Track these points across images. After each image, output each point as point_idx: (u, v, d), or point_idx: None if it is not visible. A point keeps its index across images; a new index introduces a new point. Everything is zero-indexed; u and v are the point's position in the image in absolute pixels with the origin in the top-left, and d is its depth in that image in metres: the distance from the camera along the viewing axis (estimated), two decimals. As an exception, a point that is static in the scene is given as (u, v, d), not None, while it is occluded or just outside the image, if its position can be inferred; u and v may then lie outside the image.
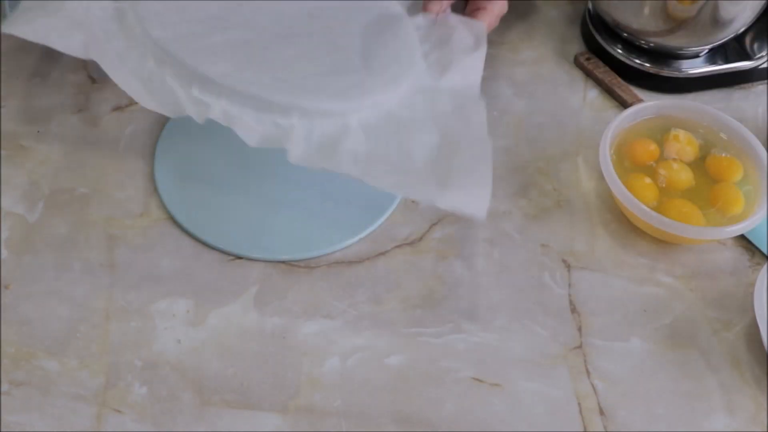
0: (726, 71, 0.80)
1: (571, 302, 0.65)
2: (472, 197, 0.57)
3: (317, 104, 0.59)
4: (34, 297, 0.64)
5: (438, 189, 0.57)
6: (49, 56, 0.82)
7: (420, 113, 0.62)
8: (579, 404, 0.59)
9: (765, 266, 0.63)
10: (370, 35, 0.65)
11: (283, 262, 0.66)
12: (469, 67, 0.66)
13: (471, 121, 0.61)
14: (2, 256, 0.66)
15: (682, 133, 0.72)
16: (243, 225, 0.68)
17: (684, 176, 0.69)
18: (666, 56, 0.80)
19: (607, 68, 0.81)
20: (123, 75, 0.58)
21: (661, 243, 0.68)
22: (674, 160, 0.70)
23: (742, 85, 0.81)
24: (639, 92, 0.79)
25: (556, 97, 0.79)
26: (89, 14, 0.59)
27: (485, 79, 0.80)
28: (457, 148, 0.59)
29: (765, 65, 0.80)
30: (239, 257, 0.66)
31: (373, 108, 0.61)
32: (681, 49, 0.79)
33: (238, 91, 0.57)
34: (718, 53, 0.80)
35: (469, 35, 0.68)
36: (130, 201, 0.70)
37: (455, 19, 0.70)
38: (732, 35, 0.77)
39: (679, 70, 0.80)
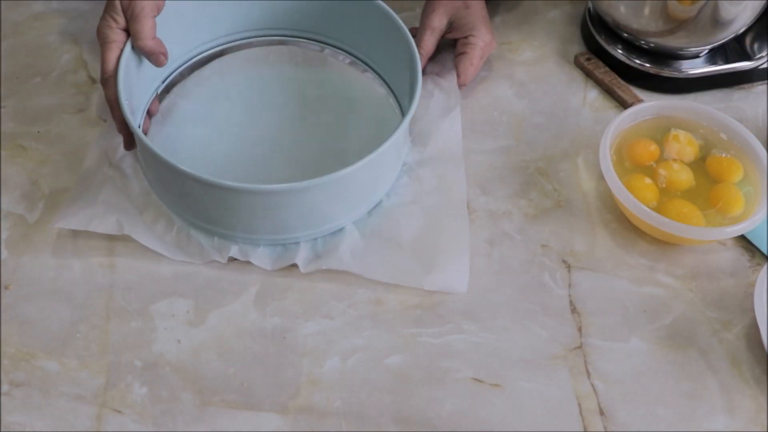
0: (726, 71, 0.80)
1: (571, 302, 0.65)
2: (453, 277, 0.65)
3: (318, 229, 0.66)
4: (34, 297, 0.64)
5: (423, 274, 0.64)
6: (49, 56, 0.82)
7: (408, 196, 0.69)
8: (579, 404, 0.59)
9: (765, 266, 0.63)
10: (361, 129, 0.73)
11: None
12: (448, 129, 0.74)
13: (452, 196, 0.69)
14: (2, 256, 0.66)
15: (682, 134, 0.72)
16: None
17: (684, 176, 0.69)
18: (666, 56, 0.80)
19: (607, 68, 0.80)
20: (153, 240, 0.66)
21: (661, 243, 0.68)
22: (674, 160, 0.70)
23: (742, 86, 0.81)
24: (639, 92, 0.79)
25: (556, 97, 0.79)
26: (124, 195, 0.68)
27: (486, 79, 0.80)
28: (439, 227, 0.67)
29: (765, 65, 0.80)
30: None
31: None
32: (681, 49, 0.79)
33: (250, 236, 0.65)
34: (718, 53, 0.80)
35: (444, 98, 0.75)
36: (130, 201, 0.70)
37: (431, 84, 0.76)
38: (732, 35, 0.77)
39: (680, 71, 0.80)
